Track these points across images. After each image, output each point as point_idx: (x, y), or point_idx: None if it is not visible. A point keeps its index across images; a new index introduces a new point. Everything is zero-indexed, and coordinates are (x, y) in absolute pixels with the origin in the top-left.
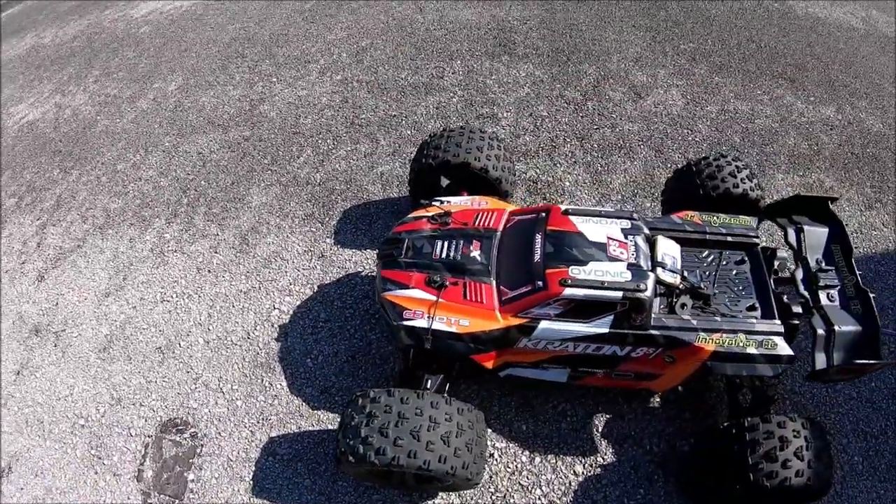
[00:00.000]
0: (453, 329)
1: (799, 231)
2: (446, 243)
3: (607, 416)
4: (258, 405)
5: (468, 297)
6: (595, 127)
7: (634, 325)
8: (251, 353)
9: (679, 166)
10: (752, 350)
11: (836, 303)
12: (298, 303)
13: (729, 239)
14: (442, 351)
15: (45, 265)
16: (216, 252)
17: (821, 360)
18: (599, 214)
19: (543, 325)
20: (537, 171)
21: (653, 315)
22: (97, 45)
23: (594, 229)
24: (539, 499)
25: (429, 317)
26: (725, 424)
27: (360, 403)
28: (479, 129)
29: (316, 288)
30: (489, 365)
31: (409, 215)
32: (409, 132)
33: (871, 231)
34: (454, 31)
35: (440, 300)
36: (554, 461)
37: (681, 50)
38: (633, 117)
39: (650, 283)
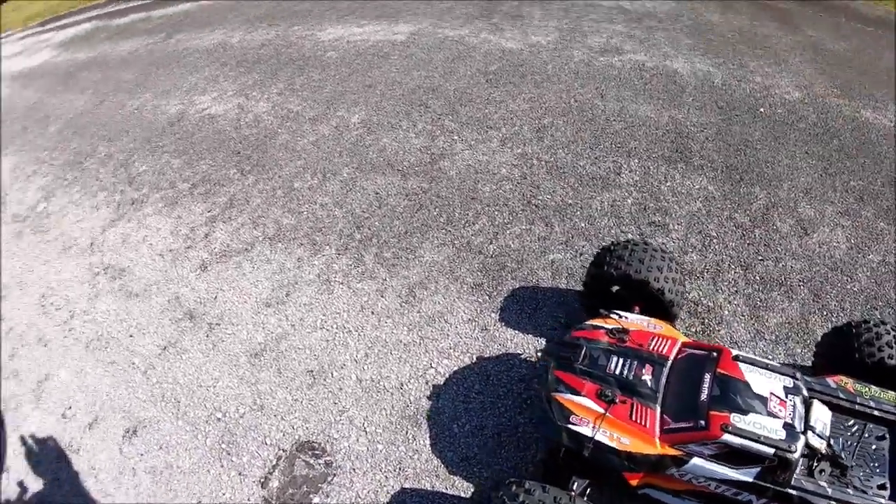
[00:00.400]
0: (614, 444)
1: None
2: (621, 360)
3: None
4: (398, 454)
5: (633, 418)
6: (760, 258)
7: (777, 481)
8: (401, 403)
9: (834, 319)
10: None
11: None
12: (455, 368)
13: (876, 413)
14: (597, 461)
15: (210, 257)
16: (382, 296)
17: None
18: (767, 367)
19: (696, 461)
20: (699, 293)
21: (794, 475)
22: (283, 58)
23: (759, 381)
24: None
25: (594, 427)
26: None
27: (513, 490)
28: (661, 249)
29: (475, 358)
30: (634, 482)
31: (588, 322)
32: (582, 224)
33: None
34: (633, 127)
35: (608, 414)
36: None
37: (850, 187)
38: (797, 254)
39: (800, 445)
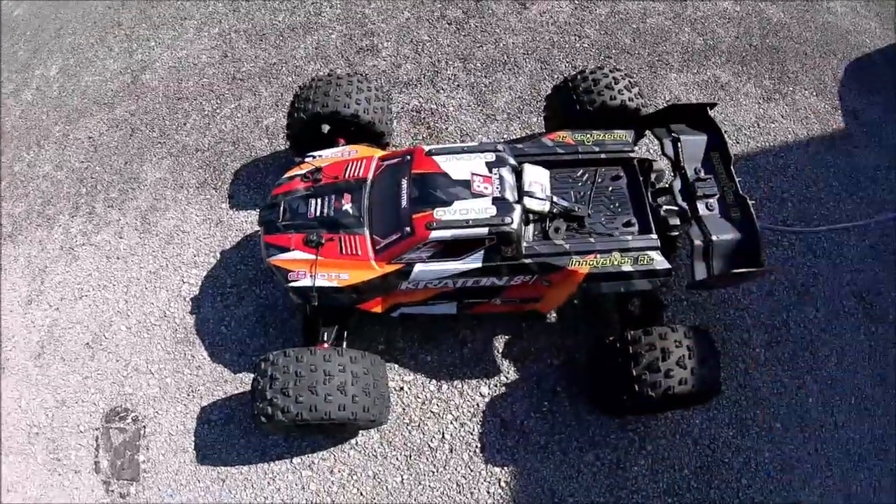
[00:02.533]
0: (335, 284)
1: (675, 141)
2: (320, 200)
3: (507, 336)
4: (186, 379)
5: (345, 251)
6: (478, 45)
7: (506, 256)
8: (170, 330)
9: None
10: (627, 267)
11: (716, 211)
12: (205, 273)
13: (602, 156)
14: (330, 305)
15: None
16: (121, 237)
17: (700, 271)
18: (463, 150)
19: (418, 268)
20: (420, 99)
21: (525, 244)
22: None
23: (458, 167)
24: (451, 423)
25: (311, 276)
26: (610, 339)
27: (262, 367)
28: (347, 74)
29: (219, 255)
30: (378, 309)
31: (285, 175)
32: (289, 79)
33: (770, 124)
34: None
35: (319, 258)
36: (460, 386)
37: None
38: (518, 29)
39: (516, 215)
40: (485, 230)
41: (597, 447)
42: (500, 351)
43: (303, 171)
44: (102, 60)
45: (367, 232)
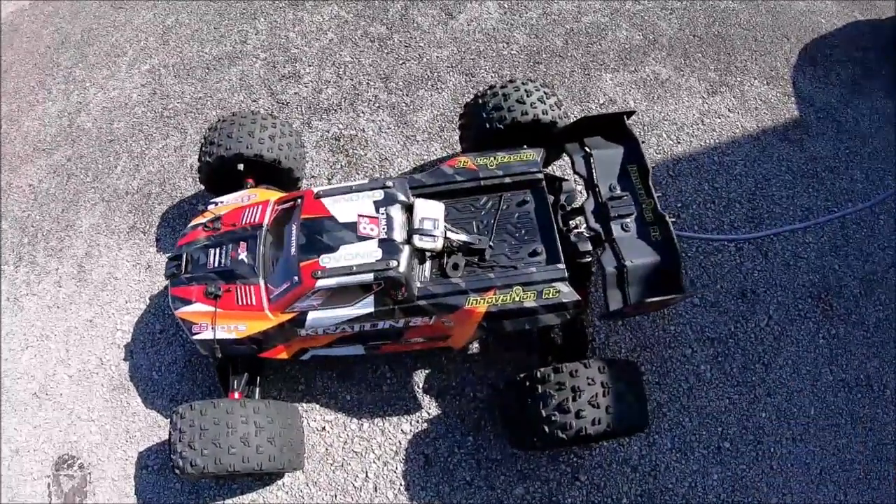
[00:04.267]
0: (233, 336)
1: (588, 157)
2: (218, 250)
3: (427, 370)
4: (123, 426)
5: (241, 302)
6: (400, 62)
7: (398, 299)
8: (107, 378)
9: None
10: (530, 303)
11: (632, 232)
12: (136, 319)
13: (507, 180)
14: (233, 356)
15: None
16: (60, 286)
17: (614, 300)
18: (351, 190)
19: (311, 315)
20: (340, 126)
21: (420, 283)
22: None
23: (345, 209)
24: (373, 462)
25: (211, 328)
26: (520, 377)
27: (173, 420)
28: (251, 113)
29: (148, 301)
30: (284, 356)
31: (189, 224)
32: (213, 113)
33: (716, 119)
34: None
35: (218, 310)
36: (382, 424)
37: None
38: (444, 42)
39: (403, 257)
40: (370, 276)
41: (526, 480)
42: (421, 386)
43: (204, 220)
44: (42, 104)
45: (261, 282)
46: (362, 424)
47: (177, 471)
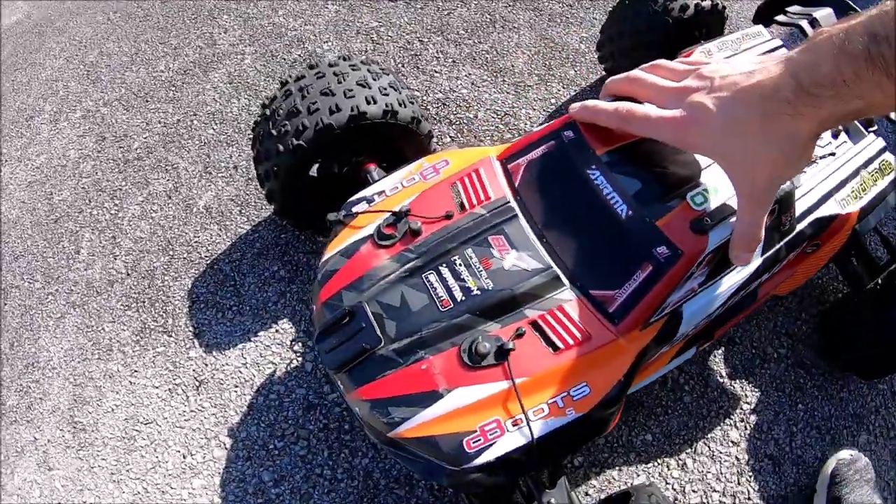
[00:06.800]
0: (569, 417)
1: (813, 22)
2: (441, 271)
3: (717, 358)
4: None
5: (557, 341)
6: (445, 13)
7: (784, 230)
8: None
9: None
10: (882, 184)
11: None
12: (205, 483)
13: None
14: (559, 456)
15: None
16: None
17: None
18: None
19: (689, 308)
20: (418, 92)
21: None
22: None
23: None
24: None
25: (513, 421)
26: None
27: None
28: (342, 58)
29: (225, 438)
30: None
31: (327, 256)
32: (212, 130)
33: None
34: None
35: (514, 381)
36: (693, 448)
37: None
38: None
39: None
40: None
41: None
42: (723, 376)
43: (362, 235)
44: None
45: (573, 292)
46: (684, 463)
47: None
